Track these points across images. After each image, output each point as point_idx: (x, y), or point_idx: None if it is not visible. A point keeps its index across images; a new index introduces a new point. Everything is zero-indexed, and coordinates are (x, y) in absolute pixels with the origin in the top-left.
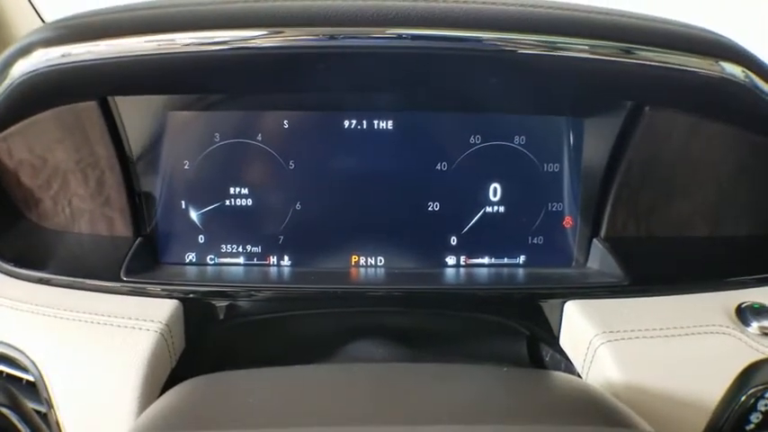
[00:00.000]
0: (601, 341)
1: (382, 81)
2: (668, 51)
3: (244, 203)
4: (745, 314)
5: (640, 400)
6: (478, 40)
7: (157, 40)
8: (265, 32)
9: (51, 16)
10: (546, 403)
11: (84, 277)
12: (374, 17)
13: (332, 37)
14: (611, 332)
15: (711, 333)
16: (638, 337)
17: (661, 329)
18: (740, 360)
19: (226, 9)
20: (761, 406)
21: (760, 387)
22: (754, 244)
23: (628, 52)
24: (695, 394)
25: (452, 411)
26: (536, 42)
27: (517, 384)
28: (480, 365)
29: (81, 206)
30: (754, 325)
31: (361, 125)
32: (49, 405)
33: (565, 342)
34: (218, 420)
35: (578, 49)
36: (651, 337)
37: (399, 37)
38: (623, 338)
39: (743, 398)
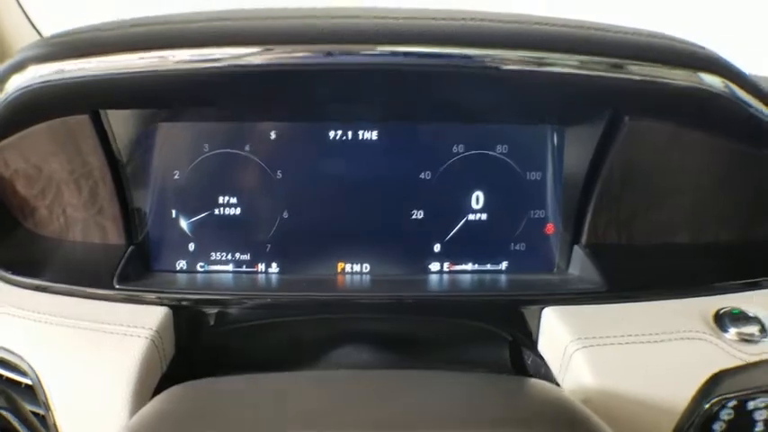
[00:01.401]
0: (575, 347)
1: (371, 95)
2: (652, 65)
3: (232, 212)
4: (722, 320)
5: (613, 406)
6: (482, 57)
7: (150, 57)
8: (259, 50)
9: (47, 21)
10: (506, 408)
11: (78, 284)
12: (369, 35)
13: (329, 54)
14: (585, 338)
15: (686, 339)
16: (612, 344)
17: (636, 335)
18: (712, 366)
19: (219, 27)
20: (724, 415)
21: (724, 396)
22: (735, 250)
23: (617, 67)
24: (664, 400)
25: (406, 418)
26: (527, 59)
27: (481, 390)
28: (452, 372)
29: (75, 215)
30: (732, 331)
31: (347, 136)
32: (47, 408)
33: (542, 348)
34: (196, 425)
35: (567, 64)
36: (626, 343)
37: (393, 54)
38: (598, 344)
39: (707, 405)
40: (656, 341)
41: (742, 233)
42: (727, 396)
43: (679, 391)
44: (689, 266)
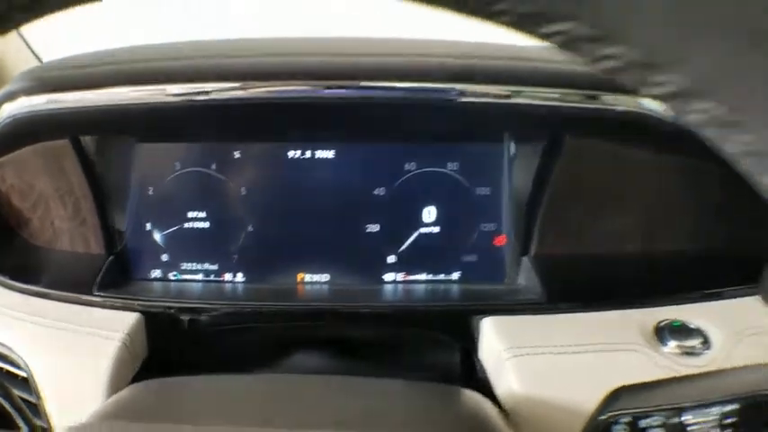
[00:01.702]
0: (507, 356)
1: (337, 122)
2: (592, 92)
3: (201, 226)
4: (662, 332)
5: (537, 413)
6: (462, 92)
7: (132, 92)
8: (238, 85)
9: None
10: (412, 415)
11: (64, 290)
12: (351, 72)
13: (327, 88)
14: (517, 348)
15: (619, 350)
16: (543, 353)
17: (569, 346)
18: (636, 379)
19: (201, 64)
20: (617, 430)
21: (618, 412)
22: (680, 262)
23: (592, 98)
24: (577, 410)
25: (320, 421)
26: (500, 92)
27: (401, 398)
28: (385, 379)
29: (62, 227)
30: (672, 344)
31: (305, 155)
32: (38, 397)
33: (482, 357)
34: (139, 416)
35: (544, 97)
36: (557, 353)
37: (377, 89)
38: (528, 354)
39: (602, 418)
40: (587, 352)
41: (690, 245)
42: (621, 412)
43: (588, 403)
44: (636, 278)
